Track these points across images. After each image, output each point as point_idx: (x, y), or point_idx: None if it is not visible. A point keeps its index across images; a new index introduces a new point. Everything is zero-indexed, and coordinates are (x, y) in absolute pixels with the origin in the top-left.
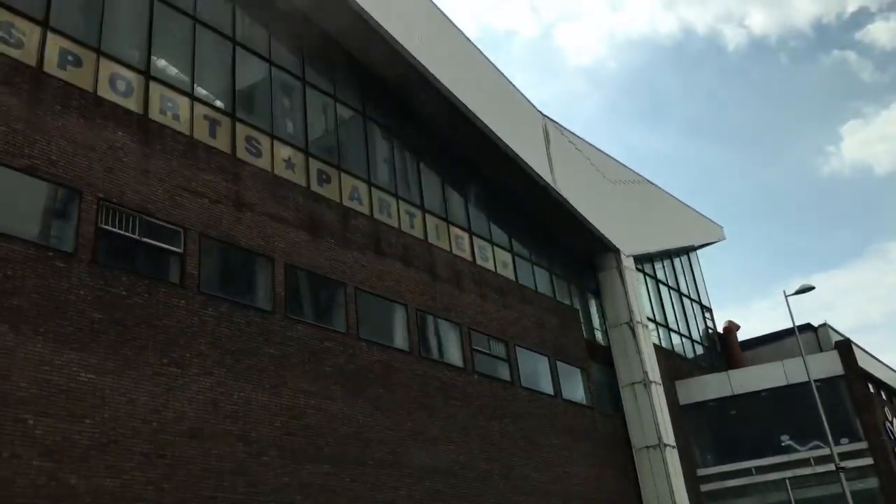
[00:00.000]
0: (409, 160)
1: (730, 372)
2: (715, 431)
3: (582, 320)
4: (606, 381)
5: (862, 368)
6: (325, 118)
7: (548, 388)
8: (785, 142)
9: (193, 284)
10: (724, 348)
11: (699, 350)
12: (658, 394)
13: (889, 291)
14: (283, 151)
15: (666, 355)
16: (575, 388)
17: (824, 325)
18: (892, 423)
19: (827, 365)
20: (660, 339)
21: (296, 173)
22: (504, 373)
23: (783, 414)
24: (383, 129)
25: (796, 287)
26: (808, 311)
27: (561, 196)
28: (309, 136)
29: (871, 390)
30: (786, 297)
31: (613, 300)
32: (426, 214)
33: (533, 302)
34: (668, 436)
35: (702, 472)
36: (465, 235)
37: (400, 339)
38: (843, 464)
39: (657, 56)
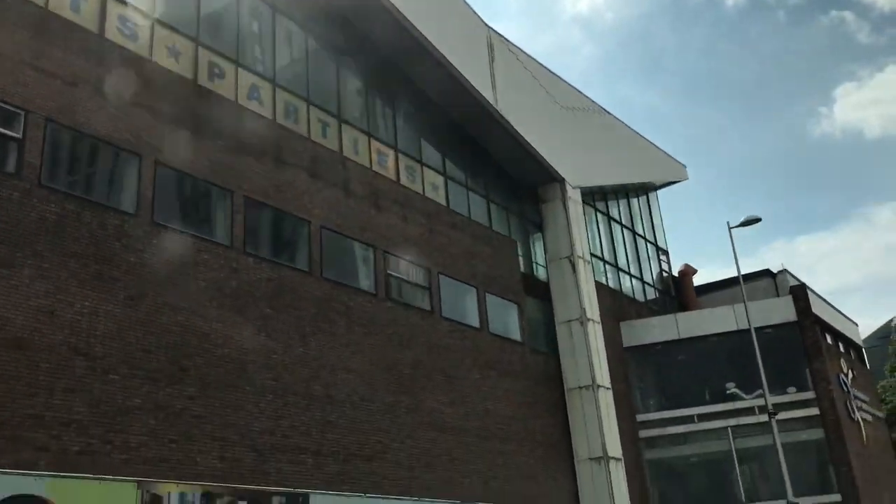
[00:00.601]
0: (325, 60)
1: (678, 315)
2: (659, 376)
3: (521, 253)
4: (543, 319)
5: (816, 315)
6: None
7: (474, 321)
8: (778, 102)
9: (33, 176)
10: (679, 293)
11: (652, 294)
12: (595, 333)
13: (871, 255)
14: (165, 35)
15: (613, 295)
16: (506, 323)
17: (783, 271)
18: (846, 375)
19: (781, 311)
20: (607, 279)
21: (180, 63)
22: (424, 302)
23: (731, 361)
24: (293, 20)
25: (780, 246)
26: (793, 271)
27: (502, 117)
28: (200, 23)
29: (829, 341)
30: (729, 228)
31: (555, 233)
32: (343, 125)
33: (464, 230)
34: (603, 377)
35: (641, 417)
36: (390, 152)
37: (298, 258)
38: (790, 414)
39: (655, 8)
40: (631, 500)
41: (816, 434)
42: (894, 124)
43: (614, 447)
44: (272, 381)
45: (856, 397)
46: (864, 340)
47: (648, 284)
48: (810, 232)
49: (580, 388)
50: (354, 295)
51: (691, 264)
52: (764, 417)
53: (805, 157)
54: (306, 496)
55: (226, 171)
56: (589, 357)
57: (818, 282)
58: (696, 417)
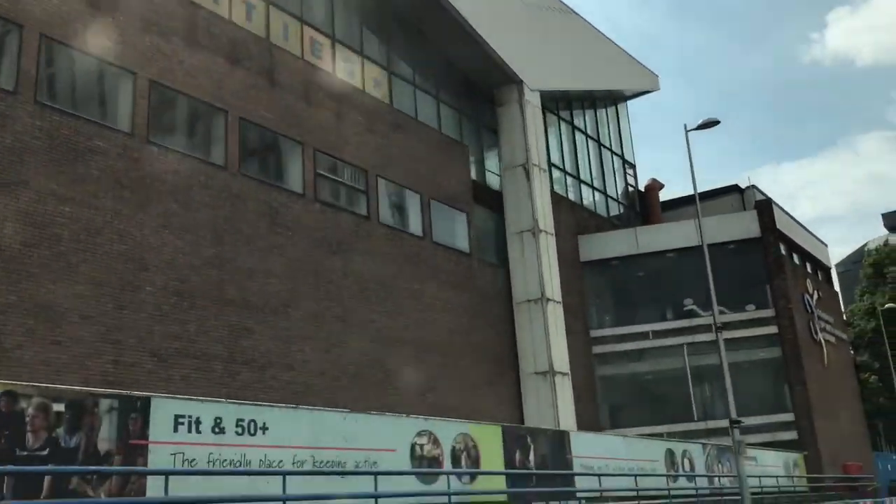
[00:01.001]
0: None
1: (637, 229)
2: (616, 292)
3: (473, 160)
4: (494, 230)
5: (780, 231)
6: None
7: (416, 228)
8: (770, 26)
9: None
10: (644, 208)
11: (617, 209)
12: (548, 245)
13: (854, 185)
14: None
15: (573, 209)
16: (453, 233)
17: (751, 187)
18: (812, 295)
19: (744, 226)
20: (567, 191)
21: None
22: (360, 206)
23: (690, 277)
24: None
25: (771, 174)
26: (776, 197)
27: (452, 6)
28: None
29: (796, 261)
30: (686, 131)
31: (511, 139)
32: (271, 7)
33: (409, 131)
34: (554, 290)
35: (595, 333)
36: (326, 42)
37: (214, 151)
38: (749, 332)
39: None
40: (581, 416)
41: (774, 353)
42: (887, 53)
43: (561, 362)
44: (177, 282)
45: (820, 318)
46: (838, 265)
47: (613, 199)
48: (796, 159)
49: (529, 301)
50: (278, 194)
51: (659, 179)
52: (727, 334)
53: (794, 84)
54: (147, 400)
55: (128, 49)
56: (539, 270)
57: (801, 208)
58: (651, 334)
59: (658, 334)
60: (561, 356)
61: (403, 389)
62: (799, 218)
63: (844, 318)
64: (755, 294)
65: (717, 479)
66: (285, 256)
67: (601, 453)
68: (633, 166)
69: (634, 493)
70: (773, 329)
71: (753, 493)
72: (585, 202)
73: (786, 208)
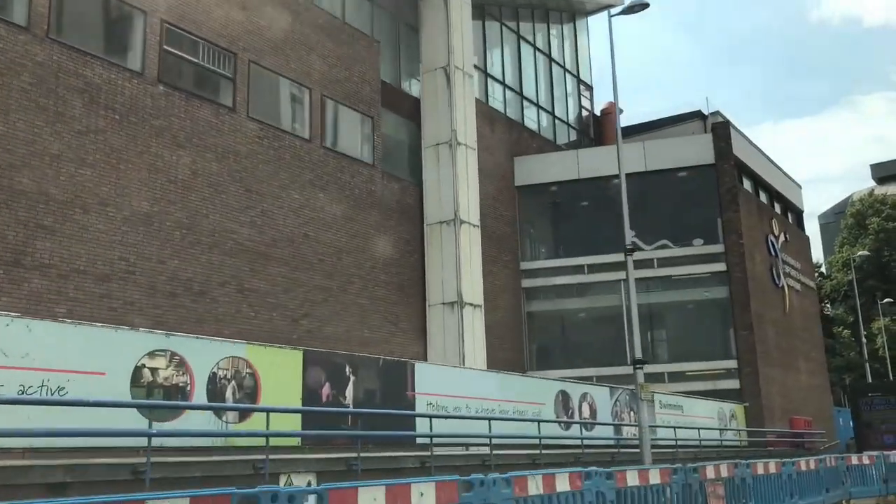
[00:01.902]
0: None
1: (580, 151)
2: (553, 221)
3: (386, 58)
4: (408, 141)
5: (737, 158)
6: None
7: (302, 129)
8: None
9: None
10: (599, 134)
11: (568, 134)
12: (467, 160)
13: (852, 145)
14: None
15: (510, 126)
16: (352, 139)
17: (716, 113)
18: (777, 237)
19: (698, 151)
20: (505, 107)
21: None
22: (224, 95)
23: (636, 206)
24: None
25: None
26: (773, 155)
27: None
28: None
29: (764, 201)
30: (609, 16)
31: (432, 38)
32: None
33: (301, 14)
34: (470, 212)
35: (527, 265)
36: None
37: (15, 11)
38: (695, 269)
39: None
40: (502, 356)
41: (721, 293)
42: None
43: (473, 292)
44: None
45: (785, 263)
46: (821, 216)
47: (563, 122)
48: (798, 116)
49: (441, 223)
50: (104, 69)
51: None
52: (664, 271)
53: (800, 41)
54: None
55: None
56: (455, 187)
57: (801, 168)
58: (586, 268)
59: (595, 269)
60: (473, 286)
61: (265, 312)
62: (796, 177)
63: (823, 270)
64: (707, 228)
65: (619, 427)
66: (109, 145)
67: (461, 392)
68: (589, 88)
69: (486, 441)
70: (721, 266)
71: (664, 446)
72: (529, 122)
73: (784, 166)
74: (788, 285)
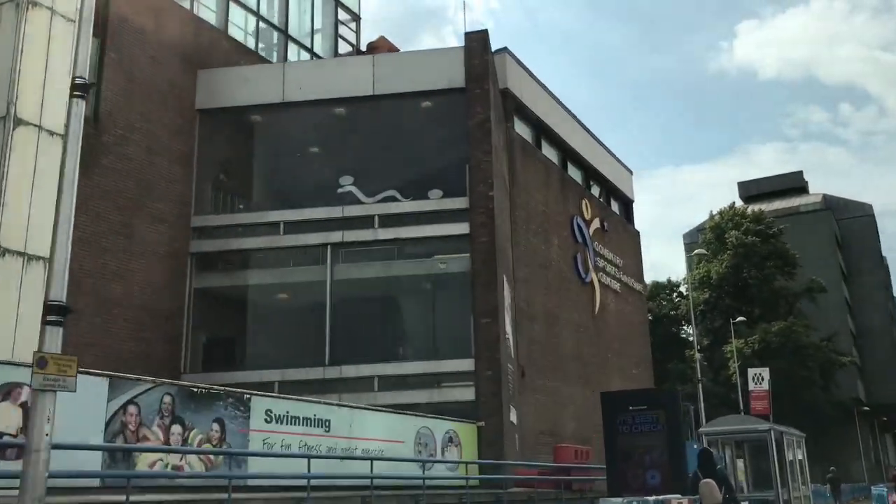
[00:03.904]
0: None
1: (288, 64)
2: (245, 157)
3: None
4: None
5: (512, 95)
6: None
7: None
8: (682, 30)
9: None
10: None
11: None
12: (50, 34)
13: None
14: None
15: (198, 29)
16: None
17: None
18: (587, 222)
19: (447, 69)
20: (194, 4)
21: None
22: None
23: (359, 143)
24: None
25: None
26: (672, 199)
27: None
28: None
29: (576, 179)
30: None
31: None
32: None
33: None
34: (43, 111)
35: (199, 221)
36: None
37: None
38: (435, 231)
39: None
40: (145, 350)
41: (462, 265)
42: (790, 67)
43: (33, 238)
44: None
45: (599, 255)
46: (686, 235)
47: (306, 49)
48: (695, 162)
49: None
50: None
51: (392, 42)
52: (388, 233)
53: (699, 90)
54: None
55: None
56: (15, 66)
57: (698, 210)
58: (282, 226)
59: (293, 228)
60: (32, 228)
61: None
62: (694, 218)
63: (683, 290)
64: (452, 178)
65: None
66: None
67: None
68: (356, 19)
69: None
70: (464, 228)
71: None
72: (245, 38)
73: (684, 207)
74: (601, 282)
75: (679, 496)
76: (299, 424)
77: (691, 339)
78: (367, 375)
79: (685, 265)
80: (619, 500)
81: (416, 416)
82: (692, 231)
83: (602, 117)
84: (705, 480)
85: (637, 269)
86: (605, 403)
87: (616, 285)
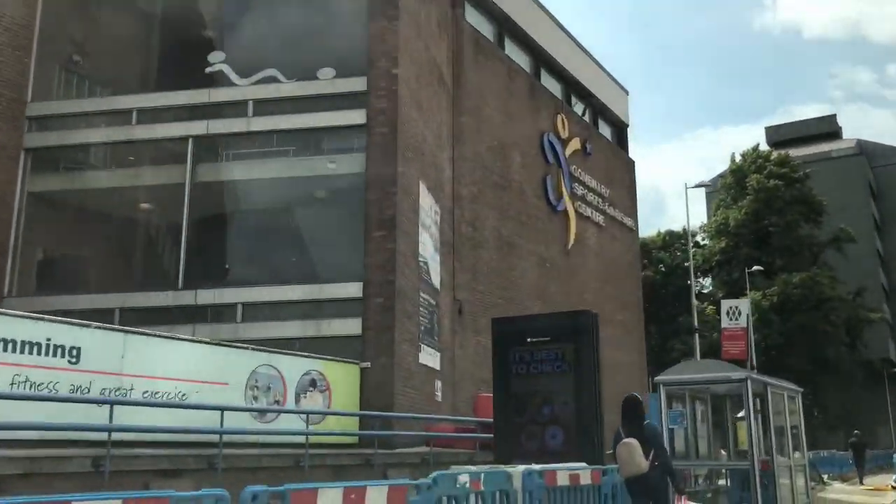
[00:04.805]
0: None
1: None
2: (100, 35)
3: None
4: None
5: None
6: None
7: None
8: None
9: None
10: None
11: None
12: None
13: None
14: None
15: None
16: None
17: None
18: (564, 141)
19: None
20: None
21: None
22: None
23: (235, 8)
24: None
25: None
26: (708, 160)
27: None
28: None
29: (541, 83)
30: None
31: None
32: None
33: None
34: None
35: (38, 108)
36: None
37: None
38: (327, 120)
39: None
40: None
41: (357, 164)
42: (836, 25)
43: None
44: None
45: (578, 181)
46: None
47: None
48: (735, 123)
49: None
50: None
51: None
52: (266, 123)
53: (742, 49)
54: None
55: None
56: None
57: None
58: (135, 115)
59: (147, 116)
60: None
61: None
62: None
63: (699, 239)
64: (348, 53)
65: None
66: None
67: None
68: None
69: None
70: (360, 116)
71: None
72: None
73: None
74: (579, 212)
75: (585, 465)
76: (15, 351)
77: (705, 290)
78: (228, 303)
79: (705, 212)
80: (506, 469)
81: (248, 349)
82: (714, 178)
83: (641, 76)
84: (625, 441)
85: (630, 203)
86: (495, 332)
87: (599, 217)
